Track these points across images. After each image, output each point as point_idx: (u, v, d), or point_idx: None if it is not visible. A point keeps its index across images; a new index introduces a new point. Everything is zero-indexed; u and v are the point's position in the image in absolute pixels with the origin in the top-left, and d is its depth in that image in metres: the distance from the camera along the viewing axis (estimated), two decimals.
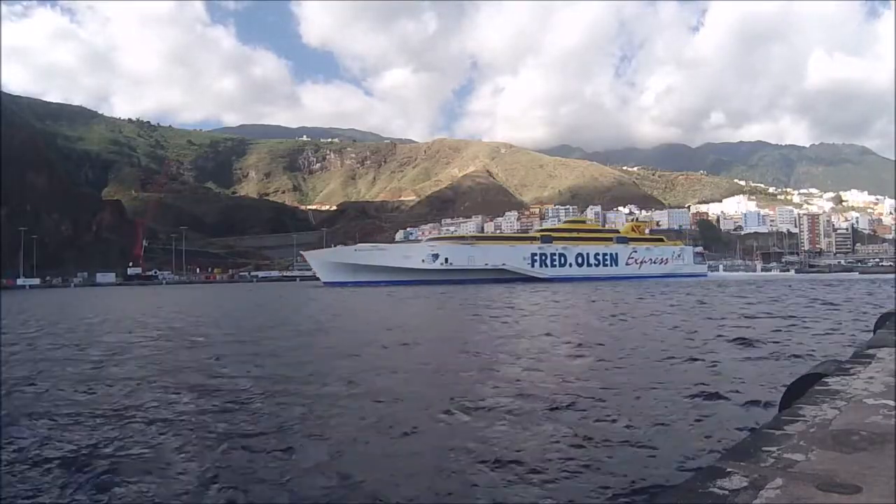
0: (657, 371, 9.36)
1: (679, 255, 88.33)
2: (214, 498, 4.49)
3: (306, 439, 5.84)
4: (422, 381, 8.91)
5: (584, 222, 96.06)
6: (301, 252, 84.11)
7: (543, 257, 77.92)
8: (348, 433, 5.99)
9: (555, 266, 78.07)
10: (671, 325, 16.84)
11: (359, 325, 20.69)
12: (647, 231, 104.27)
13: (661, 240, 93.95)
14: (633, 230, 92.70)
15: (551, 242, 79.74)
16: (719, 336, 13.59)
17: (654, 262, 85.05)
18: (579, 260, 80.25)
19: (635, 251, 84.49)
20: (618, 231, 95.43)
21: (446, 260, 71.31)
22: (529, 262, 76.63)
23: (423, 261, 70.98)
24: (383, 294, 42.85)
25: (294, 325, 19.53)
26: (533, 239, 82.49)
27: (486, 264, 72.44)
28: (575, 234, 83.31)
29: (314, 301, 36.08)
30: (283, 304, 34.15)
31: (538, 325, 18.35)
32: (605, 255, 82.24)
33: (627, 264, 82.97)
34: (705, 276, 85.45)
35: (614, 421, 6.30)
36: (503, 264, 73.47)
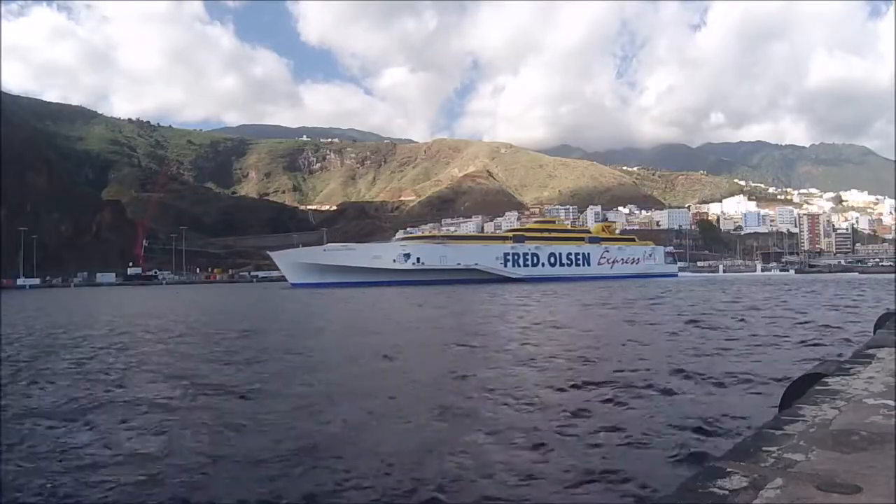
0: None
1: (650, 255, 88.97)
2: None
3: None
4: None
5: (554, 222, 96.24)
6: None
7: (516, 257, 77.93)
8: None
9: (528, 266, 78.20)
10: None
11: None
12: (616, 231, 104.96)
13: (633, 240, 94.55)
14: (603, 230, 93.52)
15: (524, 242, 79.92)
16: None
17: (626, 262, 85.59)
18: (552, 260, 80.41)
19: (607, 251, 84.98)
20: (589, 231, 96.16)
21: (418, 259, 70.63)
22: (502, 261, 76.55)
23: (394, 260, 70.30)
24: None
25: None
26: (505, 238, 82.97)
27: (459, 264, 71.84)
28: (547, 234, 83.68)
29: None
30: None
31: None
32: (577, 254, 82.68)
33: (599, 264, 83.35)
34: (676, 276, 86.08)
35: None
36: (476, 264, 73.10)
